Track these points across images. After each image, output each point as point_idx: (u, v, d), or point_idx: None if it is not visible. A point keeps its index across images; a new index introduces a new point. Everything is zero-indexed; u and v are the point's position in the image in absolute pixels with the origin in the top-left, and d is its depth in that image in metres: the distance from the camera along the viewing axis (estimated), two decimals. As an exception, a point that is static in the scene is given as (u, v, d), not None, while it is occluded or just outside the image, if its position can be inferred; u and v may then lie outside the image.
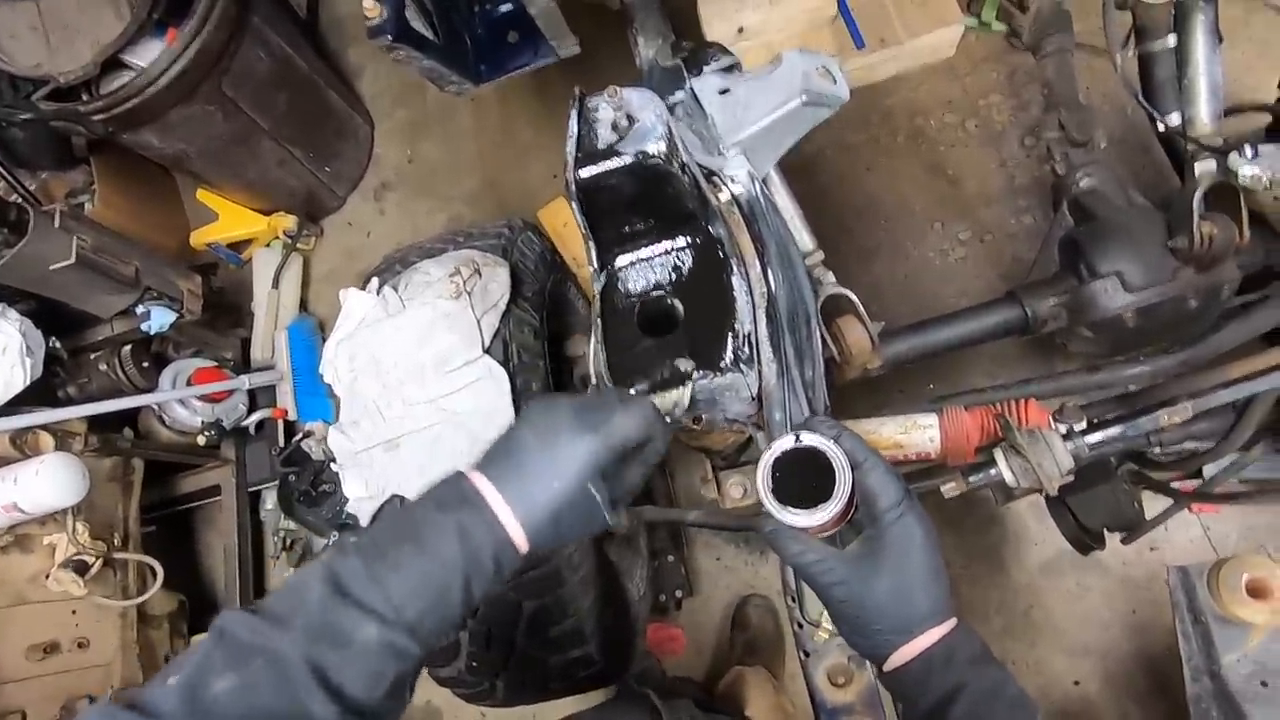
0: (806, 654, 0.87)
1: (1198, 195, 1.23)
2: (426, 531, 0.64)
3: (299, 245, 2.53)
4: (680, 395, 0.86)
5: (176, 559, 2.07)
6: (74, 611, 1.69)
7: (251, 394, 2.28)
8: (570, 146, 0.83)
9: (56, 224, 1.67)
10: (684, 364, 0.88)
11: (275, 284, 2.43)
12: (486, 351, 1.12)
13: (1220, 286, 1.32)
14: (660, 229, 0.91)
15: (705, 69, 1.28)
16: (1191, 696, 0.88)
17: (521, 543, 0.66)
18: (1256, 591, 0.87)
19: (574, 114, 0.84)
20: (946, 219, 2.21)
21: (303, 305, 2.56)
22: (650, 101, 0.84)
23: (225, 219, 2.49)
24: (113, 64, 1.90)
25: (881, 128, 2.34)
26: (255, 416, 2.24)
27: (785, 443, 0.69)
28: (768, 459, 0.70)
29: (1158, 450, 1.35)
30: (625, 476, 0.72)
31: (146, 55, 1.92)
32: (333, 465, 1.14)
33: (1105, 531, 1.49)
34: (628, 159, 0.82)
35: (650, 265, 0.91)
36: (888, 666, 0.68)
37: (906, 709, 0.69)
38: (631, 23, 1.48)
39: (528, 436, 0.69)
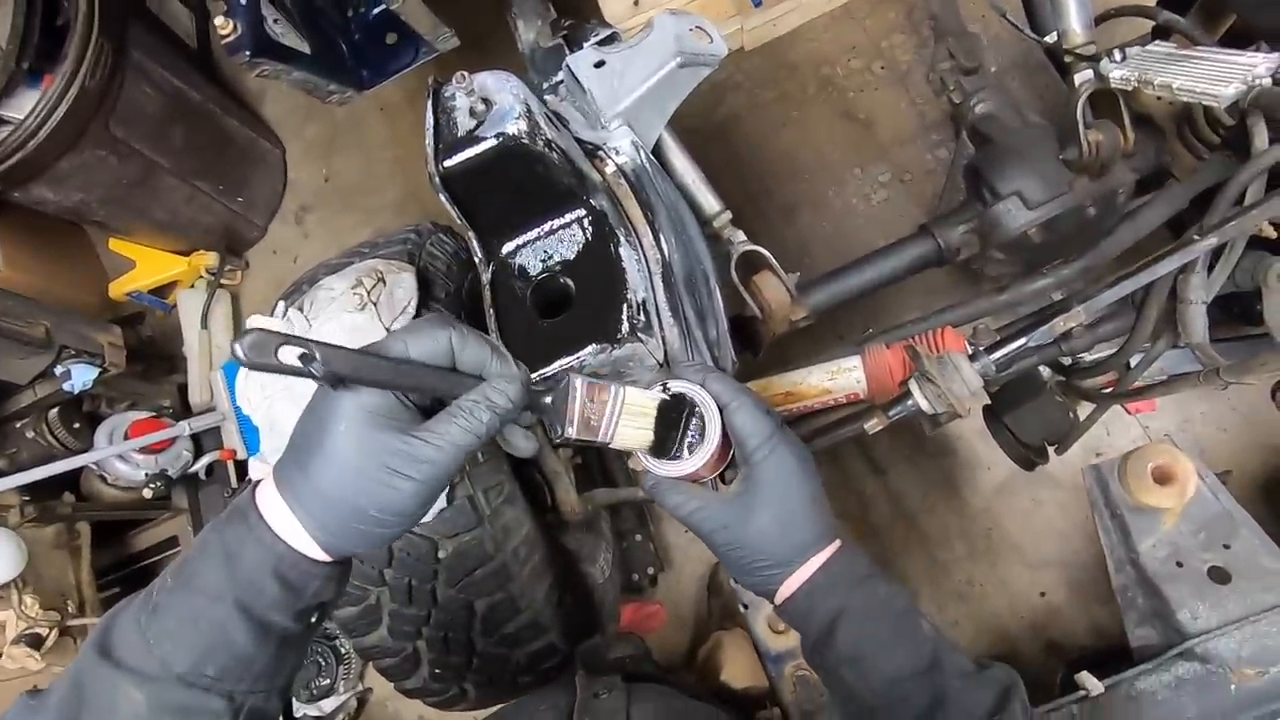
0: (745, 606, 0.88)
1: (1079, 105, 1.26)
2: (196, 563, 0.56)
3: (224, 281, 2.47)
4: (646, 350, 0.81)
5: (143, 616, 2.02)
6: (35, 686, 1.64)
7: (196, 439, 2.22)
8: (428, 139, 0.82)
9: (-52, 294, 1.61)
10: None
11: (204, 324, 2.37)
12: (399, 358, 1.11)
13: (1115, 191, 1.35)
14: (541, 210, 0.90)
15: (585, 45, 1.27)
16: (1118, 587, 0.91)
17: (311, 548, 0.56)
18: (1163, 478, 0.90)
19: (429, 105, 0.82)
20: (865, 164, 2.23)
21: (238, 341, 2.50)
22: (506, 83, 0.83)
23: (143, 265, 2.41)
24: (-11, 121, 1.83)
25: (790, 82, 2.35)
26: (203, 461, 2.18)
27: (654, 393, 0.68)
28: None
29: (1085, 357, 1.39)
30: (438, 431, 0.55)
31: (24, 106, 1.84)
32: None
33: (1045, 445, 1.54)
34: (489, 143, 0.81)
35: (537, 247, 0.91)
36: (777, 601, 0.69)
37: (802, 640, 0.70)
38: (510, 7, 1.46)
39: (301, 430, 0.57)
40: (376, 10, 1.41)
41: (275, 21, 1.41)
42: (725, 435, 0.68)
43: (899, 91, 2.27)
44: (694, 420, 0.68)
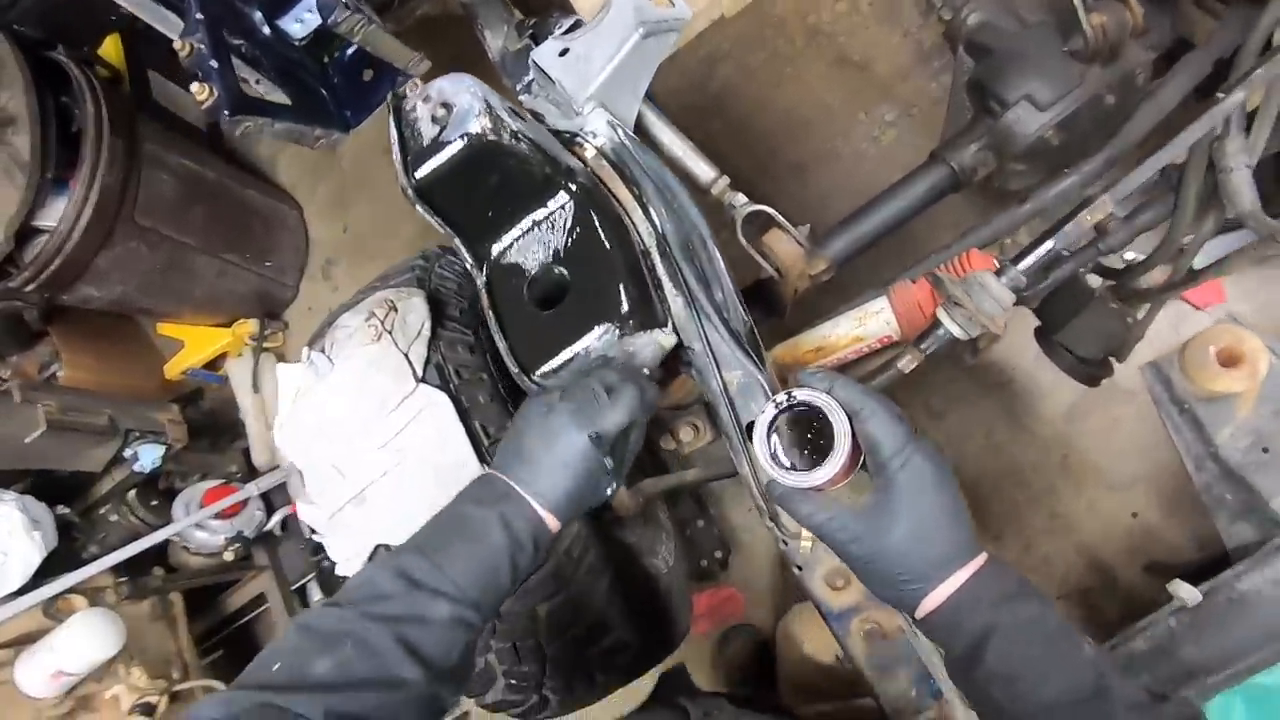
0: (799, 568, 0.85)
1: (1074, -11, 1.18)
2: (474, 525, 0.76)
3: (267, 345, 2.56)
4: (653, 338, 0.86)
5: (247, 673, 2.11)
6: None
7: (266, 498, 2.31)
8: (396, 153, 0.82)
9: (17, 399, 1.71)
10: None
11: (255, 388, 2.46)
12: (422, 380, 1.11)
13: (1132, 74, 1.26)
14: (523, 204, 0.89)
15: (550, 38, 1.26)
16: (1201, 486, 0.83)
17: (552, 523, 0.78)
18: (1229, 361, 0.82)
19: (390, 121, 0.83)
20: (868, 106, 2.15)
21: (291, 400, 2.59)
22: (461, 83, 0.83)
23: (191, 344, 2.53)
24: (28, 233, 1.94)
25: (778, 39, 2.29)
26: (276, 518, 2.27)
27: (779, 401, 0.68)
28: (762, 423, 0.68)
29: (1132, 256, 1.30)
30: (625, 446, 0.84)
31: (56, 214, 1.95)
32: (314, 536, 1.15)
33: (1107, 357, 1.44)
34: (456, 145, 0.80)
35: (526, 241, 0.90)
36: (918, 615, 0.66)
37: (946, 655, 0.67)
38: (475, 20, 1.46)
39: (534, 444, 0.79)
40: (350, 50, 1.44)
41: (258, 82, 1.45)
42: (855, 443, 0.66)
43: (890, 25, 2.19)
44: (822, 428, 0.66)
